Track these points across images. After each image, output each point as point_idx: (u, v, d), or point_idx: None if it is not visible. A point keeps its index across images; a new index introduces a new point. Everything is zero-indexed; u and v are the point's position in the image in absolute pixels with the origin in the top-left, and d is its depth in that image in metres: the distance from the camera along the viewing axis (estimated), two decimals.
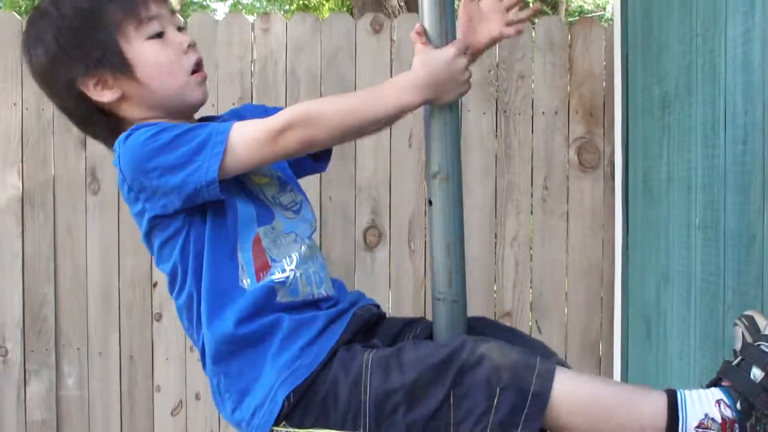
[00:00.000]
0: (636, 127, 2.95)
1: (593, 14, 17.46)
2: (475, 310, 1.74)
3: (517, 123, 3.38)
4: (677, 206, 2.35)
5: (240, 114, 1.68)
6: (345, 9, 11.31)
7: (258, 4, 20.89)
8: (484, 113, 3.37)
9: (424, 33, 1.49)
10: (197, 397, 3.55)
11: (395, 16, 4.10)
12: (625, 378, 3.16)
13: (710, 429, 1.33)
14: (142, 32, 1.56)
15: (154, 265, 3.49)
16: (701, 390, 1.38)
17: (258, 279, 1.50)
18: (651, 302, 2.73)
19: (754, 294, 1.67)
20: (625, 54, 3.25)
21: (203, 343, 1.52)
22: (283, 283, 1.51)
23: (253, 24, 3.48)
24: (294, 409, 1.42)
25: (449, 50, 1.47)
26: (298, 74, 3.42)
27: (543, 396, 1.36)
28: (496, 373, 1.37)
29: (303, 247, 1.58)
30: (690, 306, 2.20)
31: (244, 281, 1.50)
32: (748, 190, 1.71)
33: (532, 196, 3.41)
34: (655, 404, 1.36)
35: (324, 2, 11.75)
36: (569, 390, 1.38)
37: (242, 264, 1.51)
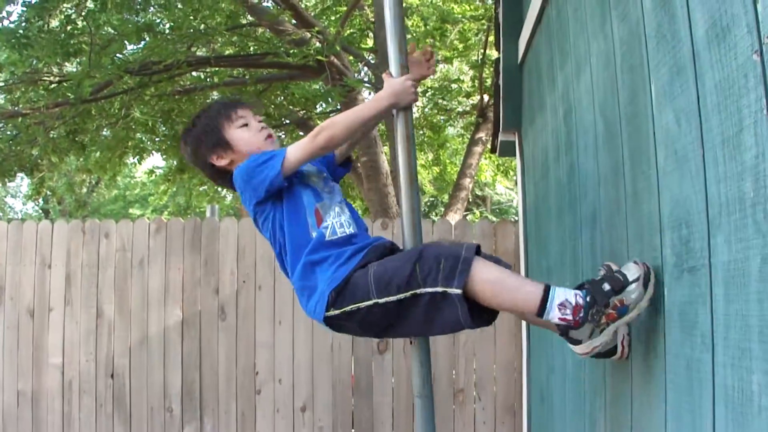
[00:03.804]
0: None
1: (507, 204, 19.79)
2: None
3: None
4: None
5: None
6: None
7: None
8: None
9: (389, 74, 2.04)
10: None
11: (396, 218, 5.37)
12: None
13: (566, 307, 1.62)
14: (235, 125, 2.18)
15: (256, 358, 4.78)
16: (568, 289, 1.69)
17: (318, 227, 2.01)
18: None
19: None
20: (525, 241, 4.42)
21: (295, 271, 1.99)
22: (327, 227, 2.02)
23: None
24: (335, 300, 1.85)
25: (401, 78, 2.01)
26: None
27: (469, 260, 1.75)
28: (439, 253, 1.78)
29: (336, 208, 2.06)
30: None
31: (312, 233, 2.00)
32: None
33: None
34: (536, 288, 1.70)
35: None
36: (483, 268, 1.77)
37: (310, 223, 2.01)
